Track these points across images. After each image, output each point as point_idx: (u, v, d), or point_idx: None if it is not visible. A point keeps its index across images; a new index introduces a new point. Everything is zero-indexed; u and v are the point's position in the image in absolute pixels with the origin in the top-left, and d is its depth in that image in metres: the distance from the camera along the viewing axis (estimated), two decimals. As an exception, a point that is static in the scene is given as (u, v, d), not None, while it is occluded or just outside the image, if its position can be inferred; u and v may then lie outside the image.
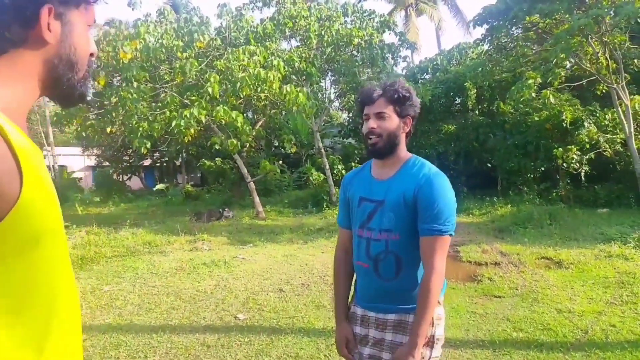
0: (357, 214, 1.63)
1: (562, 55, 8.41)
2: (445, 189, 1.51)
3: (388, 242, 1.53)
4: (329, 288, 4.75)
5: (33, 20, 0.67)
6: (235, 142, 9.23)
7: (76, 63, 0.74)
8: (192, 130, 8.56)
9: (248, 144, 12.50)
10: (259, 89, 8.69)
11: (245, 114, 12.95)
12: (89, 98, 0.84)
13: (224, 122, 8.96)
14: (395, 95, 1.52)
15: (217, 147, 9.77)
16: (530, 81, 8.95)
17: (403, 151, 1.60)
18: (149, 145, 9.71)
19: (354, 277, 1.74)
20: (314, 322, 3.75)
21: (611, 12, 8.08)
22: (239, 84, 8.13)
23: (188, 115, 8.04)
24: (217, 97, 8.41)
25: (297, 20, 10.82)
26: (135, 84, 8.56)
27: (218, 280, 4.98)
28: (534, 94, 9.63)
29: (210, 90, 8.11)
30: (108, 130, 10.25)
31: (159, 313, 4.00)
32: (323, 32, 11.07)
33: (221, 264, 5.65)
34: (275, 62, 8.65)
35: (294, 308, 4.10)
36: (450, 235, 1.49)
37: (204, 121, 8.53)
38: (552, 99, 9.70)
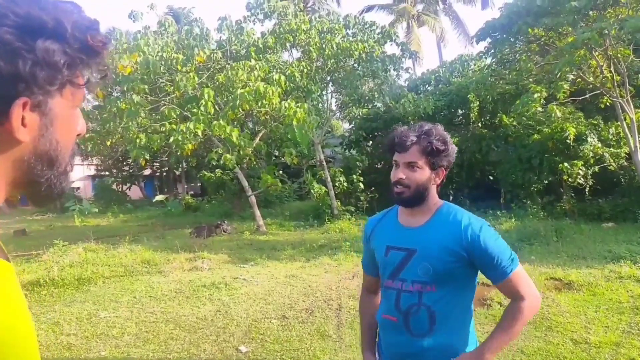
0: (385, 264, 1.50)
1: (566, 69, 8.32)
2: (494, 236, 1.43)
3: (422, 295, 1.42)
4: (334, 314, 4.59)
5: (2, 116, 0.52)
6: (230, 157, 9.11)
7: (57, 158, 0.59)
8: (190, 145, 8.45)
9: (248, 157, 12.42)
10: (259, 104, 8.59)
11: (245, 125, 12.86)
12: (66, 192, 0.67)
13: (225, 136, 8.86)
14: (430, 148, 1.40)
15: (213, 162, 9.65)
16: (536, 95, 8.85)
17: (434, 199, 1.49)
18: (147, 157, 9.60)
19: (377, 334, 1.65)
20: (320, 355, 3.58)
21: (616, 25, 7.99)
22: (238, 100, 8.04)
23: (185, 130, 7.94)
24: (212, 112, 8.31)
25: (297, 34, 10.75)
26: (134, 96, 8.46)
27: (219, 306, 4.82)
28: (540, 108, 9.54)
29: (202, 108, 8.03)
30: (108, 143, 10.15)
31: (157, 344, 3.83)
32: (324, 45, 11.00)
33: (222, 286, 5.48)
34: (276, 77, 8.55)
35: (298, 338, 3.93)
36: (520, 264, 1.43)
37: (201, 135, 8.42)
38: (558, 113, 9.61)
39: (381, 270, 1.54)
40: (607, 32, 8.04)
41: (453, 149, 1.47)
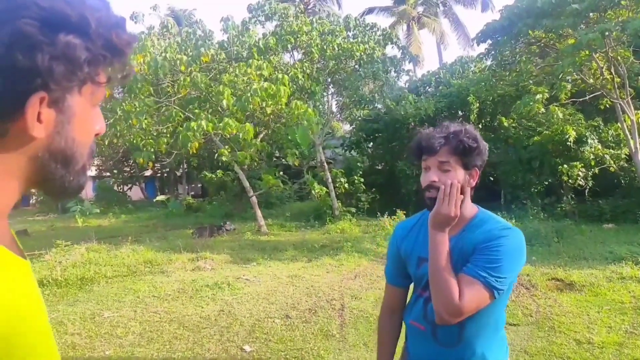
0: (419, 277, 1.42)
1: (569, 70, 8.34)
2: (516, 245, 1.29)
3: None
4: (337, 314, 4.60)
5: (17, 111, 0.50)
6: (245, 153, 9.09)
7: (73, 157, 0.57)
8: (196, 144, 8.46)
9: (251, 157, 12.43)
10: (264, 104, 8.61)
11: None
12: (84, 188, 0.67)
13: (230, 135, 8.86)
14: (461, 147, 1.30)
15: (223, 158, 9.58)
16: (538, 96, 8.89)
17: (469, 206, 1.38)
18: (153, 157, 9.61)
19: (402, 338, 1.56)
20: (323, 354, 3.60)
21: (618, 27, 8.02)
22: (249, 94, 8.04)
23: (195, 127, 7.93)
24: (230, 108, 8.35)
25: (298, 36, 10.78)
26: (140, 96, 8.49)
27: (222, 305, 4.83)
28: (542, 109, 9.59)
29: (225, 102, 8.07)
30: (106, 142, 10.15)
31: (162, 344, 3.84)
32: (325, 47, 11.03)
33: (225, 286, 5.49)
34: (280, 77, 8.59)
35: (302, 338, 3.95)
36: (494, 296, 1.23)
37: (211, 131, 8.41)
38: (560, 114, 9.64)
39: (415, 282, 1.47)
40: (607, 33, 8.08)
41: (485, 146, 1.35)
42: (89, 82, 0.56)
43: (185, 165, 21.20)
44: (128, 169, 23.49)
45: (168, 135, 8.87)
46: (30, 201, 22.23)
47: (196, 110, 9.12)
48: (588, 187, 10.81)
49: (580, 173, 10.48)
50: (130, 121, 8.26)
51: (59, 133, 0.55)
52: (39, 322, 0.56)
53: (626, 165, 10.81)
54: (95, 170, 24.02)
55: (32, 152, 0.54)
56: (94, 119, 0.61)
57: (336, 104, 15.03)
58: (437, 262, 1.27)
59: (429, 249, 1.30)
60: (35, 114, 0.51)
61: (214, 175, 15.75)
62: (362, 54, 11.45)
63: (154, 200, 20.80)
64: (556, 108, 9.60)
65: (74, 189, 0.60)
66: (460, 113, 14.22)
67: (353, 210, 12.44)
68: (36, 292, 0.57)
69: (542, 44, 10.85)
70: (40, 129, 0.52)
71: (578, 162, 10.49)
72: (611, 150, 10.81)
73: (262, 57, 9.86)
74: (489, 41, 11.04)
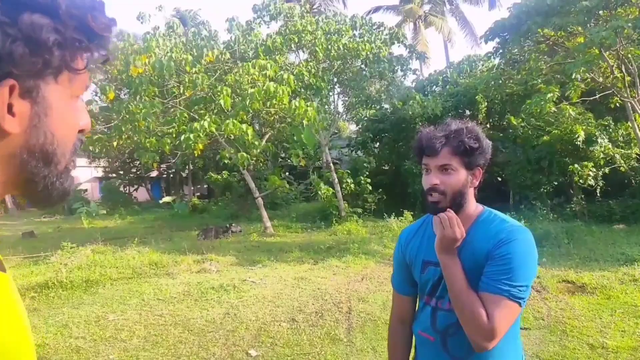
0: (423, 282, 1.38)
1: (582, 70, 8.21)
2: (527, 247, 1.24)
3: None
4: (344, 317, 4.53)
5: None
6: (245, 155, 9.08)
7: (54, 153, 0.52)
8: (200, 145, 8.44)
9: (256, 157, 12.38)
10: (268, 104, 8.57)
11: (252, 126, 12.86)
12: (71, 195, 0.59)
13: (232, 137, 8.84)
14: (462, 147, 1.25)
15: (226, 161, 9.62)
16: (549, 95, 8.76)
17: (472, 206, 1.34)
18: (157, 159, 9.62)
19: (413, 348, 1.50)
20: (331, 359, 3.53)
21: (630, 25, 7.88)
22: (248, 99, 8.03)
23: (198, 128, 7.91)
24: (229, 109, 8.30)
25: (303, 35, 10.73)
26: (145, 98, 8.48)
27: (227, 308, 4.78)
28: (553, 108, 9.46)
29: (222, 102, 8.04)
30: (115, 144, 10.17)
31: (167, 348, 3.79)
32: (330, 47, 10.97)
33: (230, 288, 5.44)
34: (285, 76, 8.54)
35: (308, 342, 3.88)
36: (520, 306, 1.19)
37: (215, 132, 8.39)
38: (572, 113, 9.50)
39: (420, 288, 1.43)
40: (621, 29, 7.93)
41: (487, 144, 1.31)
42: (64, 69, 0.50)
43: (191, 166, 21.23)
44: (134, 170, 23.59)
45: (173, 136, 8.85)
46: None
47: (201, 112, 9.10)
48: (598, 187, 10.65)
49: (590, 173, 10.34)
50: (136, 123, 8.24)
51: (35, 127, 0.49)
52: (17, 345, 0.49)
53: (637, 164, 10.66)
54: (102, 171, 24.13)
55: (10, 150, 0.49)
56: (76, 112, 0.55)
57: (342, 104, 14.96)
58: (456, 287, 1.23)
59: (445, 277, 1.26)
60: (4, 105, 0.45)
61: (219, 177, 15.75)
62: (369, 53, 11.38)
63: (160, 201, 20.86)
64: (567, 107, 9.46)
65: (59, 192, 0.54)
66: (468, 112, 14.09)
67: (359, 211, 12.35)
68: (14, 309, 0.50)
69: (551, 42, 10.70)
70: (14, 123, 0.47)
71: (588, 162, 10.35)
72: (621, 150, 10.65)
73: (267, 57, 9.83)
74: (497, 39, 10.92)
